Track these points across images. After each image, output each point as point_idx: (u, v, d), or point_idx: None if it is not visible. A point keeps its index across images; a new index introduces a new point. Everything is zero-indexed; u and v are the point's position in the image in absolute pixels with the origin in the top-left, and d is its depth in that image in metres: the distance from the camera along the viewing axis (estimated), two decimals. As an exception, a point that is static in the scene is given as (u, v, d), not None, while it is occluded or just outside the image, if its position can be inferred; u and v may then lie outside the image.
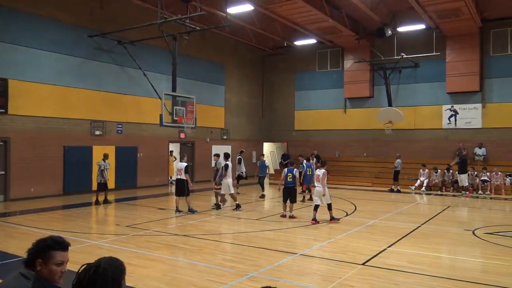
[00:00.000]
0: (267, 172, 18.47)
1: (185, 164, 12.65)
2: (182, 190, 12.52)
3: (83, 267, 2.11)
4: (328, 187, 19.14)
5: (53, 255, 2.41)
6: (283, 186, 12.05)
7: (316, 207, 11.23)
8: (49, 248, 2.41)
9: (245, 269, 6.89)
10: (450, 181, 19.55)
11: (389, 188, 19.40)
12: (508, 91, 20.46)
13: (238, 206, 13.18)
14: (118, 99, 18.16)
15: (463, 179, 18.14)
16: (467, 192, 18.22)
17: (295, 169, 12.10)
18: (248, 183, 19.58)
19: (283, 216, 11.94)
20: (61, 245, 2.45)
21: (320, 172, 11.29)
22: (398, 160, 19.42)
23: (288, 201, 11.90)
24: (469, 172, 18.63)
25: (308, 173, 15.41)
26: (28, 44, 14.94)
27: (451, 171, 19.54)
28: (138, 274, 6.55)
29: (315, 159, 19.66)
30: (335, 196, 17.24)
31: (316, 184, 11.45)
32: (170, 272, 6.76)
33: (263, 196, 16.27)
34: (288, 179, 11.88)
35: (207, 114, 22.27)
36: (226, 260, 7.49)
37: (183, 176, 12.47)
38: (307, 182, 15.42)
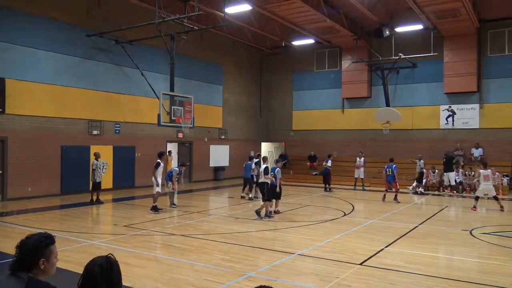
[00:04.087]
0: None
1: (265, 165, 12.36)
2: (261, 193, 12.28)
3: (97, 259, 2.25)
4: (327, 187, 19.13)
5: (52, 250, 2.49)
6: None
7: (477, 198, 13.86)
8: (48, 245, 2.46)
9: (243, 269, 6.89)
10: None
11: (414, 191, 18.84)
12: (506, 91, 20.53)
13: (154, 208, 12.73)
14: (115, 98, 18.13)
15: (451, 178, 18.33)
16: (454, 191, 18.55)
17: (277, 168, 12.29)
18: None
19: (276, 212, 12.46)
20: (53, 238, 2.53)
21: (488, 172, 13.51)
22: (422, 160, 18.99)
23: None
24: (460, 171, 18.92)
25: (388, 173, 15.74)
26: (25, 43, 14.90)
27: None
28: (136, 273, 6.54)
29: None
30: (332, 196, 17.30)
31: (484, 182, 13.43)
32: (167, 272, 6.75)
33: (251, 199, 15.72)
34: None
35: (205, 114, 22.26)
36: (224, 260, 7.48)
37: (262, 179, 12.16)
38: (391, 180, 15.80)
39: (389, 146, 23.09)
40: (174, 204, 13.79)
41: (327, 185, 19.20)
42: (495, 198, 13.70)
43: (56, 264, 2.51)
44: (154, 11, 15.56)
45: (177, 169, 13.90)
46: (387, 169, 15.84)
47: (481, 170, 13.67)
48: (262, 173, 12.13)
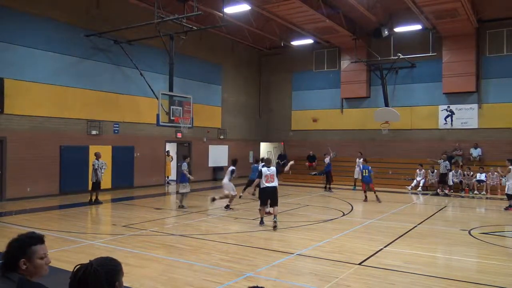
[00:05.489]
0: None
1: (274, 168, 10.77)
2: (275, 199, 10.48)
3: (75, 268, 2.05)
4: (324, 187, 19.06)
5: (35, 250, 2.39)
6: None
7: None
8: (29, 245, 2.39)
9: (241, 269, 6.89)
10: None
11: (435, 192, 18.57)
12: (504, 91, 20.56)
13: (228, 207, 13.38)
14: (114, 98, 18.11)
15: (449, 177, 18.37)
16: (452, 191, 18.53)
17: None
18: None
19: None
20: (38, 239, 2.45)
21: None
22: (446, 161, 18.49)
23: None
24: (459, 171, 18.97)
25: (364, 174, 15.92)
26: (24, 43, 14.88)
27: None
28: (135, 274, 6.53)
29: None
30: (332, 196, 17.30)
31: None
32: (166, 272, 6.75)
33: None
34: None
35: (204, 114, 22.26)
36: (223, 260, 7.48)
37: (276, 183, 10.52)
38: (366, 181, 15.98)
39: (388, 146, 23.13)
40: (183, 206, 13.67)
41: (327, 185, 19.20)
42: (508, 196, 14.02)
43: (43, 266, 2.41)
44: (153, 11, 15.57)
45: (186, 164, 13.94)
46: (364, 170, 15.95)
47: (511, 166, 13.76)
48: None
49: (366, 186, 16.00)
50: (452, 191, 18.67)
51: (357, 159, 19.95)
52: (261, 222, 10.72)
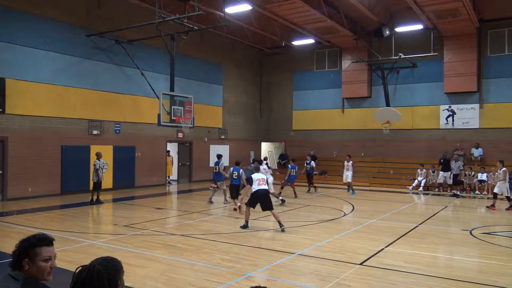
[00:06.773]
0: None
1: (272, 177, 11.11)
2: (267, 203, 10.25)
3: (77, 270, 2.08)
4: (325, 187, 19.16)
5: (39, 252, 2.39)
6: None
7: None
8: (33, 246, 2.39)
9: (243, 269, 6.89)
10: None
11: (452, 193, 18.11)
12: (505, 91, 20.53)
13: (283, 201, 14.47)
14: (115, 98, 18.12)
15: (447, 178, 18.33)
16: (456, 191, 18.37)
17: (241, 169, 13.05)
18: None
19: (236, 209, 12.72)
20: (45, 241, 2.43)
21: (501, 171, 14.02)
22: (459, 161, 18.42)
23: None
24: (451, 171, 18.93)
25: (292, 174, 16.26)
26: (25, 43, 14.89)
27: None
28: (136, 273, 6.54)
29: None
30: (333, 196, 17.29)
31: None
32: (167, 272, 6.75)
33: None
34: (234, 177, 12.93)
35: (205, 114, 22.27)
36: (224, 259, 7.48)
37: (267, 187, 10.44)
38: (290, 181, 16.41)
39: (389, 146, 23.11)
40: (226, 201, 14.66)
41: (310, 186, 18.67)
42: (507, 198, 14.06)
43: (46, 269, 2.40)
44: (154, 11, 15.57)
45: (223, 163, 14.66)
46: (291, 170, 16.25)
47: (504, 168, 13.95)
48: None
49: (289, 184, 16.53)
50: (449, 191, 18.57)
51: (345, 162, 18.70)
52: (245, 226, 10.22)
